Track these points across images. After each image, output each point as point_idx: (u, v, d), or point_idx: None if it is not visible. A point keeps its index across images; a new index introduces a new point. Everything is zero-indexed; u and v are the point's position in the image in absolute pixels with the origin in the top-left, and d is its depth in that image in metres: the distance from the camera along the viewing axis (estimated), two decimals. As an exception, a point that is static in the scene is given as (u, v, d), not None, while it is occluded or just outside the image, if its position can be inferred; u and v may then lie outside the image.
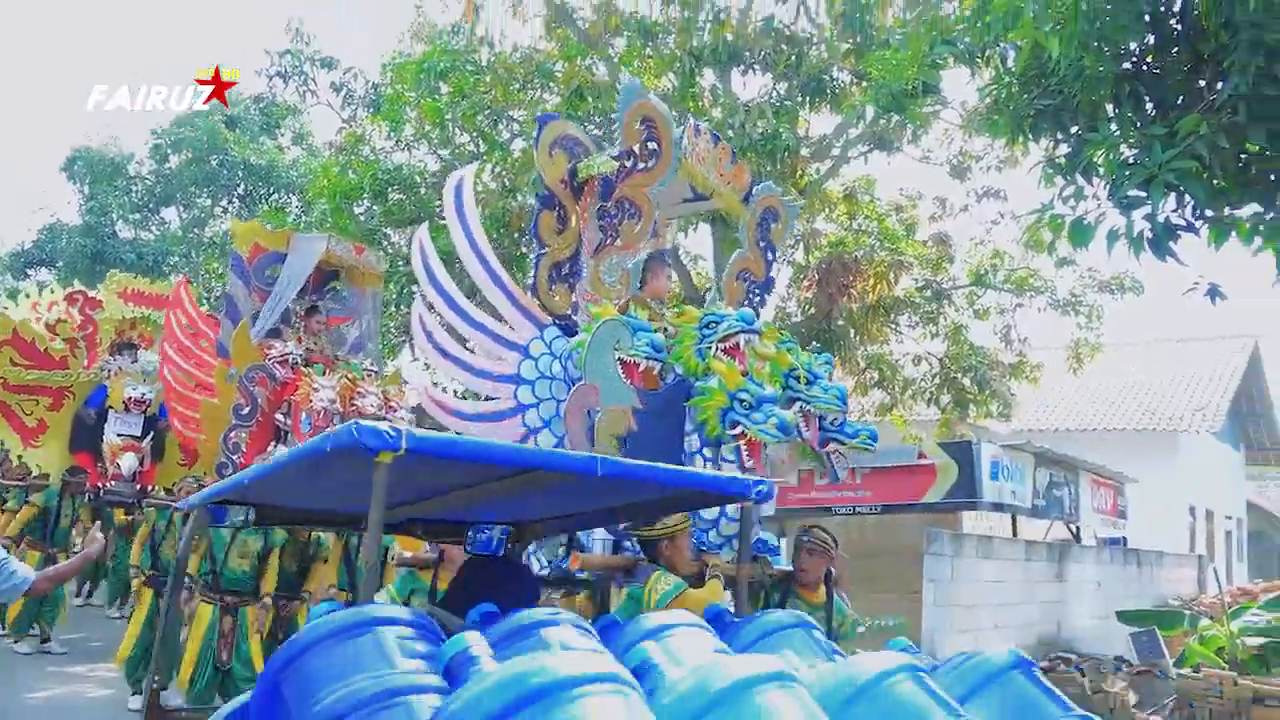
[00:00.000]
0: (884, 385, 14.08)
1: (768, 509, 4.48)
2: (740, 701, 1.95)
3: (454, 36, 14.59)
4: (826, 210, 13.90)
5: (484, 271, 4.87)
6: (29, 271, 26.04)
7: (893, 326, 13.53)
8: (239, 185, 24.02)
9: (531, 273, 5.01)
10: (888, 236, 13.65)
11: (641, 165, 4.92)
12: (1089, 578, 10.16)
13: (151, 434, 10.99)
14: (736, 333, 4.35)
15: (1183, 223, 4.93)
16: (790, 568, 4.77)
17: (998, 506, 9.60)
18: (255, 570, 7.20)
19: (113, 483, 10.48)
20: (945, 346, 14.03)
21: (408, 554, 5.32)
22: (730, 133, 8.70)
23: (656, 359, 4.43)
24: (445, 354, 4.86)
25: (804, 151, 10.76)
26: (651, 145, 4.94)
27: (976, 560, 7.67)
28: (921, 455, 9.45)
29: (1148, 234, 4.89)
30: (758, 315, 5.44)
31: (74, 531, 10.89)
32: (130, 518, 10.74)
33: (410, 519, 4.14)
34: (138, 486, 10.59)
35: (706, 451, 4.33)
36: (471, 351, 4.92)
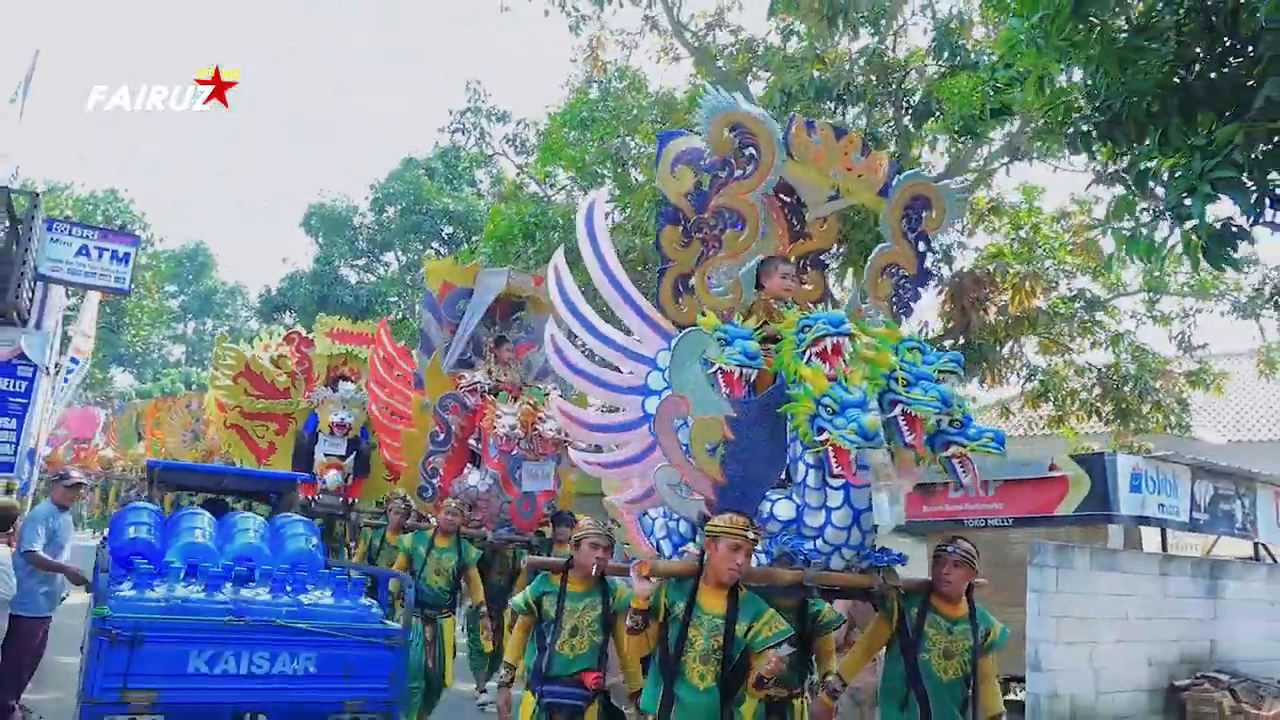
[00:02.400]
0: (1049, 397, 13.60)
1: (895, 519, 4.13)
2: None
3: (619, 80, 15.46)
4: (979, 223, 13.66)
5: (613, 288, 4.86)
6: (275, 315, 29.37)
7: (1050, 337, 13.06)
8: (442, 230, 26.15)
9: (656, 287, 4.89)
10: (1045, 245, 13.25)
11: (739, 172, 4.70)
12: (1258, 596, 9.38)
13: (355, 454, 12.36)
14: (823, 336, 4.15)
15: (1235, 229, 4.80)
16: (929, 578, 4.50)
17: (1141, 520, 9.06)
18: (452, 585, 7.39)
19: (320, 496, 11.90)
20: (1114, 357, 13.41)
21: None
22: None
23: (751, 366, 4.24)
24: (576, 369, 4.85)
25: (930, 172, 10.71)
26: (749, 151, 4.70)
27: (1090, 572, 7.35)
28: (1053, 467, 9.08)
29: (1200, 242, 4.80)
30: (911, 310, 5.18)
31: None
32: (327, 526, 12.14)
33: (224, 491, 8.85)
34: (341, 499, 11.94)
35: (808, 456, 4.13)
36: (603, 366, 4.89)
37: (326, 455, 11.85)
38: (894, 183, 5.14)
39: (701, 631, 3.74)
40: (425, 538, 7.49)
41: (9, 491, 11.10)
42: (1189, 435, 14.27)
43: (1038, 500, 9.16)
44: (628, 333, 4.93)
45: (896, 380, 4.18)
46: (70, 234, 9.37)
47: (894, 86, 9.57)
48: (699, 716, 3.66)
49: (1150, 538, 10.51)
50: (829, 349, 4.19)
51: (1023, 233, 13.55)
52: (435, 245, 26.93)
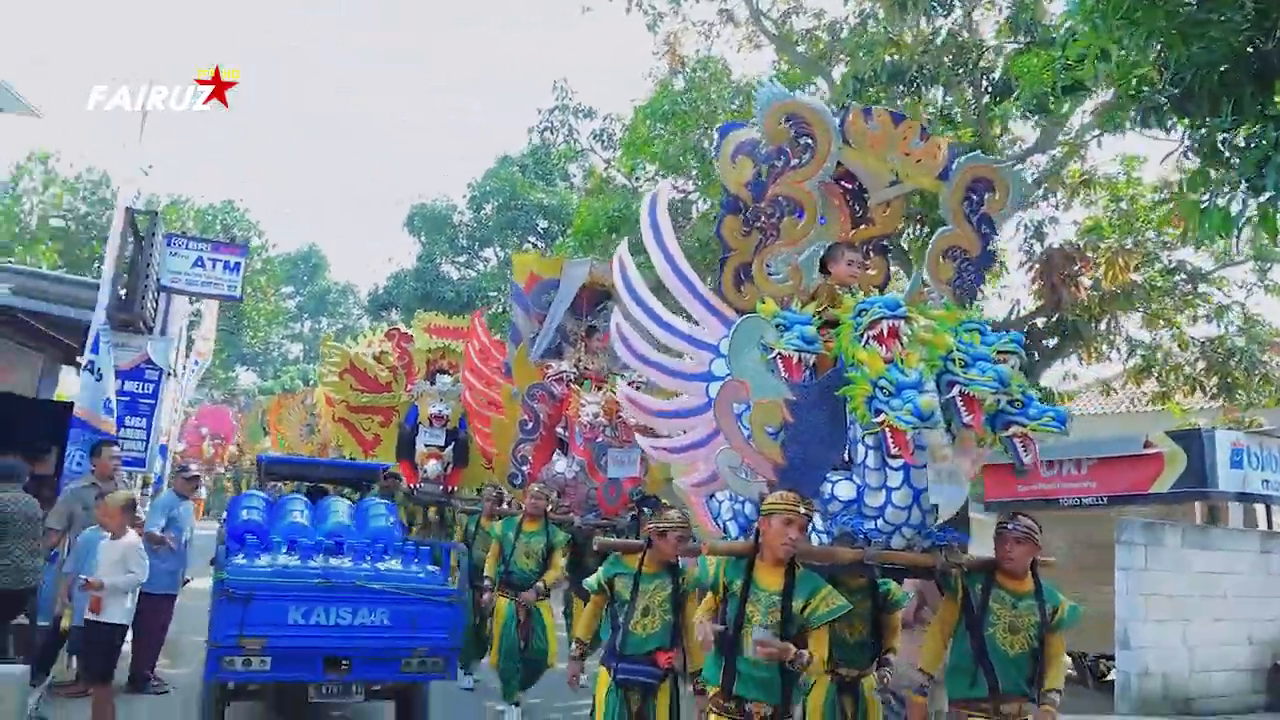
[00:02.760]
0: (1153, 372, 13.10)
1: (949, 500, 4.13)
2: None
3: (702, 71, 15.48)
4: (1074, 196, 13.22)
5: (676, 277, 4.95)
6: (382, 313, 30.40)
7: (1151, 312, 12.57)
8: (538, 225, 26.63)
9: (718, 275, 5.00)
10: (1144, 217, 12.74)
11: (795, 162, 4.73)
12: (1377, 576, 8.90)
13: (453, 444, 12.78)
14: (879, 319, 4.16)
15: None
16: (992, 556, 4.42)
17: (1243, 496, 8.71)
18: (541, 566, 7.48)
19: (422, 484, 12.37)
20: (1220, 329, 12.83)
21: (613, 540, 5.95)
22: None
23: (808, 350, 4.28)
24: (642, 358, 4.96)
25: (1012, 151, 10.42)
26: (805, 141, 4.73)
27: (1181, 550, 7.10)
28: (1148, 444, 8.80)
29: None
30: (976, 292, 5.11)
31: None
32: (439, 514, 12.62)
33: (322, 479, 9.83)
34: (441, 487, 12.36)
35: (867, 438, 4.15)
36: (667, 354, 4.93)
37: (427, 445, 12.26)
38: (954, 165, 5.07)
39: (759, 608, 3.83)
40: (514, 523, 7.66)
41: (145, 485, 11.90)
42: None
43: (1132, 478, 8.92)
44: (692, 321, 5.00)
45: (954, 361, 4.16)
46: (187, 248, 10.09)
47: (970, 67, 9.31)
48: (758, 689, 3.76)
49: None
50: (885, 332, 4.20)
51: (1122, 204, 13.06)
52: (532, 239, 27.42)
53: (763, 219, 4.85)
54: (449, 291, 26.04)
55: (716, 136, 5.39)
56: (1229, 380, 11.49)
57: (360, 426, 13.84)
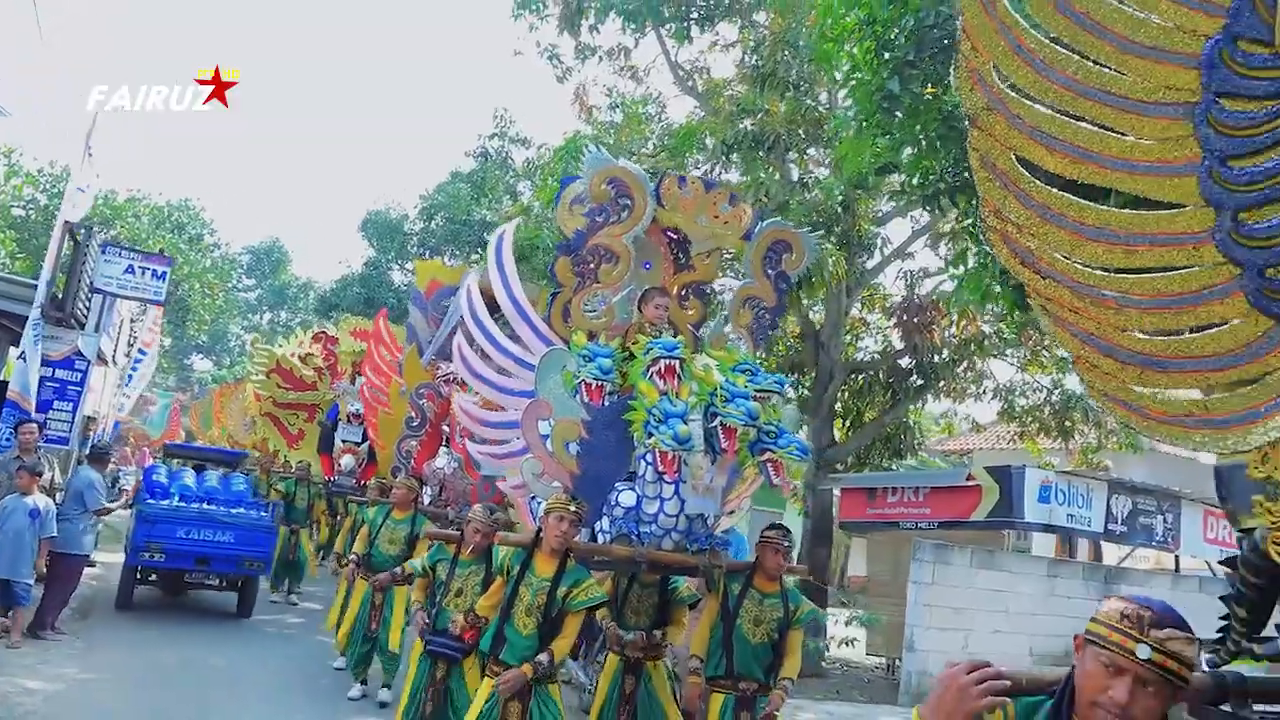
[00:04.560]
0: (1012, 415, 14.00)
1: (702, 511, 4.73)
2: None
3: (638, 108, 16.18)
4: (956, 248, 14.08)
5: (513, 306, 5.65)
6: (331, 313, 30.55)
7: (1004, 358, 13.47)
8: (482, 239, 27.11)
9: (548, 308, 5.63)
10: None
11: (614, 218, 5.43)
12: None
13: (368, 441, 13.25)
14: (659, 358, 4.76)
15: None
16: (752, 560, 5.07)
17: (1048, 528, 9.58)
18: (403, 554, 7.38)
19: (337, 477, 12.84)
20: (1065, 378, 13.76)
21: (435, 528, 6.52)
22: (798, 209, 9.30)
23: (605, 380, 4.81)
24: (476, 374, 5.67)
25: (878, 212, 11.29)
26: (624, 201, 5.40)
27: (969, 569, 7.90)
28: (970, 477, 9.65)
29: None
30: (769, 336, 5.93)
31: (313, 513, 13.44)
32: (344, 503, 12.99)
33: (204, 459, 13.69)
34: (355, 481, 12.86)
35: (647, 457, 4.66)
36: (500, 373, 5.61)
37: (344, 441, 12.77)
38: (757, 228, 5.80)
39: (530, 589, 4.43)
40: (385, 510, 7.79)
41: (79, 463, 12.23)
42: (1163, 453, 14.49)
43: (957, 506, 9.74)
44: (523, 346, 5.68)
45: (718, 397, 4.77)
46: (120, 256, 10.77)
47: (827, 139, 10.13)
48: (520, 653, 4.38)
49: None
50: (664, 369, 4.82)
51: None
52: (479, 251, 27.76)
53: (582, 265, 5.54)
54: (391, 297, 26.38)
55: (560, 186, 6.07)
56: (1066, 425, 12.40)
57: (286, 422, 14.28)
